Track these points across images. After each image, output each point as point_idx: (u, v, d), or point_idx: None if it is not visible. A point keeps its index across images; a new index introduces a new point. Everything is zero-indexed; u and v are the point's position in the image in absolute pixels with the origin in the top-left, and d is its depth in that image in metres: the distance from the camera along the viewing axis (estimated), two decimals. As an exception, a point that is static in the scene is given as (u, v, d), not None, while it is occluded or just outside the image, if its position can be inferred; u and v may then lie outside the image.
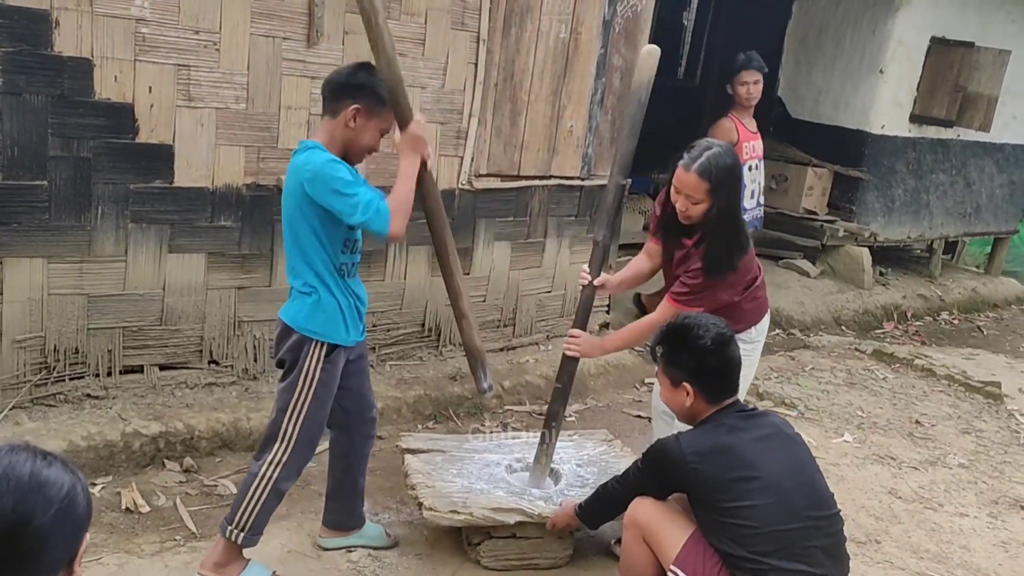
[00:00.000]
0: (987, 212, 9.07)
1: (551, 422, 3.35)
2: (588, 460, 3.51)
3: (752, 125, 5.36)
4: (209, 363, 4.01)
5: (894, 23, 7.53)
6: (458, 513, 3.08)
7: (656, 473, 2.66)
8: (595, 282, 3.32)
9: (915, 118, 8.00)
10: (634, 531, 2.68)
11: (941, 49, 7.77)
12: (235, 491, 3.50)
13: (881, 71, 7.64)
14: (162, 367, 3.91)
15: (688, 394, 2.65)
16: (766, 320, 3.36)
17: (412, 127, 2.74)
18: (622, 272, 3.50)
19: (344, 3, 3.91)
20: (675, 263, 3.24)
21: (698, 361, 2.63)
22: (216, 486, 3.56)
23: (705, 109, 9.00)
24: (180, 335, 3.90)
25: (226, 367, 4.06)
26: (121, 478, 3.49)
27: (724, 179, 2.97)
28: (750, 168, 5.22)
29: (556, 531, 3.14)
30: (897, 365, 5.96)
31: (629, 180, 3.47)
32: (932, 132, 8.17)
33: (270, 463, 2.82)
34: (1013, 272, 11.08)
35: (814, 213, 7.92)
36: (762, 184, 5.48)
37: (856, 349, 6.25)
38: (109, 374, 3.77)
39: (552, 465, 3.43)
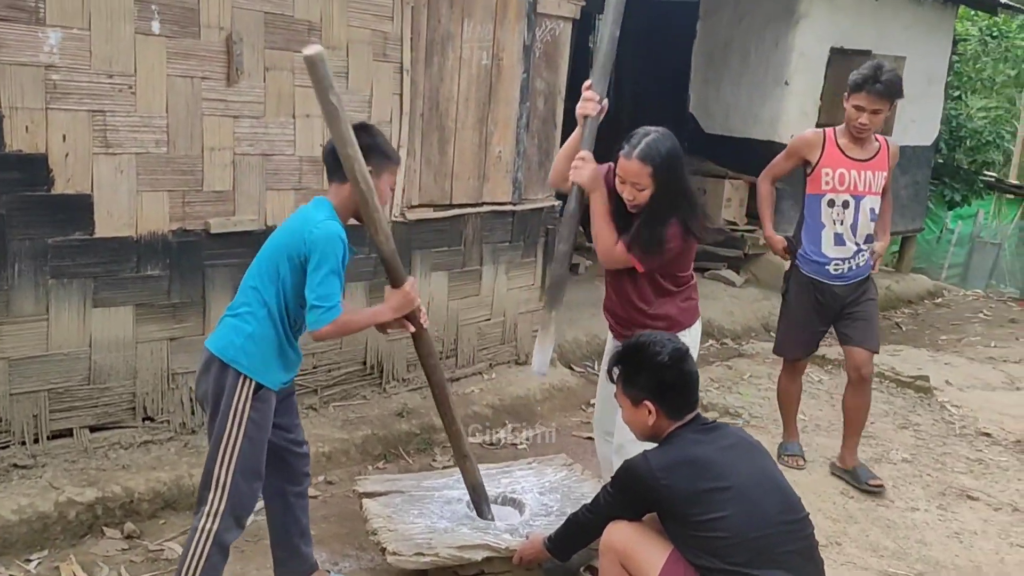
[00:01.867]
0: (895, 213, 9.43)
1: (557, 286, 3.26)
2: (550, 487, 3.46)
3: (859, 152, 4.04)
4: (144, 420, 3.82)
5: (795, 35, 7.82)
6: (423, 555, 2.98)
7: (627, 494, 2.63)
8: (603, 103, 3.14)
9: (821, 126, 8.26)
10: (611, 556, 2.64)
11: (841, 59, 8.09)
12: (183, 553, 3.33)
13: (786, 83, 7.92)
14: (93, 428, 3.70)
15: (650, 412, 2.63)
16: (698, 326, 3.34)
17: (407, 287, 2.78)
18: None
19: (263, 40, 3.82)
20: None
21: (657, 378, 2.61)
22: (162, 550, 3.37)
23: (620, 133, 9.17)
24: (110, 393, 3.70)
25: (162, 423, 3.87)
26: (58, 551, 3.27)
27: (666, 161, 2.98)
28: (831, 203, 4.07)
29: (524, 564, 3.07)
30: (829, 367, 6.10)
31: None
32: (838, 139, 8.47)
33: (207, 515, 2.67)
34: (921, 268, 11.59)
35: (734, 224, 8.12)
36: (860, 227, 4.10)
37: (789, 354, 6.37)
38: (36, 440, 3.55)
39: (514, 496, 3.37)
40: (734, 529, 2.45)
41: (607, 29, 3.25)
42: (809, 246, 4.19)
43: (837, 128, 4.20)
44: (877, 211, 4.14)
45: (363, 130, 2.72)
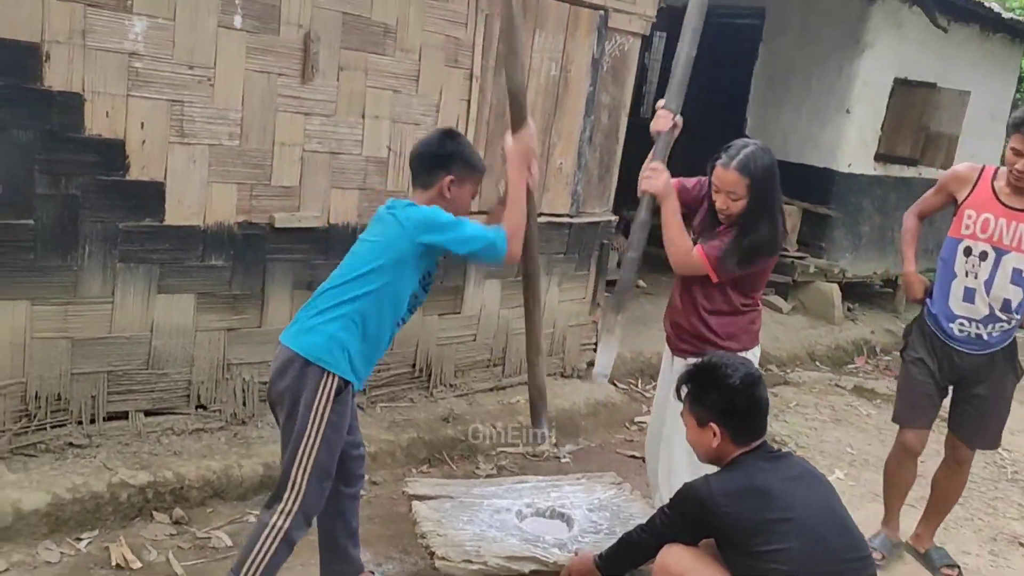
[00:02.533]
0: (947, 248, 9.29)
1: (623, 290, 3.27)
2: (599, 505, 3.43)
3: (1017, 199, 3.42)
4: (197, 408, 3.86)
5: (860, 64, 7.73)
6: (472, 563, 2.96)
7: (686, 517, 2.60)
8: (676, 119, 3.24)
9: (880, 156, 8.20)
10: (665, 579, 2.60)
11: (904, 89, 8.00)
12: (230, 543, 3.35)
13: (848, 111, 7.82)
14: (148, 412, 3.74)
15: (715, 435, 2.60)
16: (757, 352, 3.33)
17: (524, 134, 2.73)
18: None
19: (339, 40, 3.85)
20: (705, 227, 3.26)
21: (727, 401, 2.58)
22: (209, 538, 3.39)
23: (676, 149, 9.13)
24: (167, 379, 3.74)
25: (214, 412, 3.90)
26: (108, 532, 3.31)
27: (763, 174, 3.03)
28: (967, 251, 3.50)
29: (571, 580, 3.04)
30: (878, 400, 6.01)
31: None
32: (896, 171, 8.38)
33: (281, 512, 2.68)
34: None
35: (785, 250, 8.02)
36: (996, 287, 3.47)
37: (836, 385, 6.29)
38: (92, 421, 3.59)
39: (563, 511, 3.34)
40: (796, 562, 2.41)
41: (684, 49, 3.33)
42: (937, 296, 3.61)
43: (1000, 168, 3.55)
44: None
45: (449, 137, 2.73)
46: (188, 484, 3.56)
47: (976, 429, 3.67)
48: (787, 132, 8.25)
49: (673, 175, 3.25)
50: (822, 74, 7.95)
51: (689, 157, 5.26)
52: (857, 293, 8.70)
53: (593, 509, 3.40)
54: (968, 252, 3.50)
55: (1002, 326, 3.52)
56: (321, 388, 2.62)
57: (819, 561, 2.42)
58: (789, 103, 8.24)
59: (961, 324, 3.54)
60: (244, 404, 3.98)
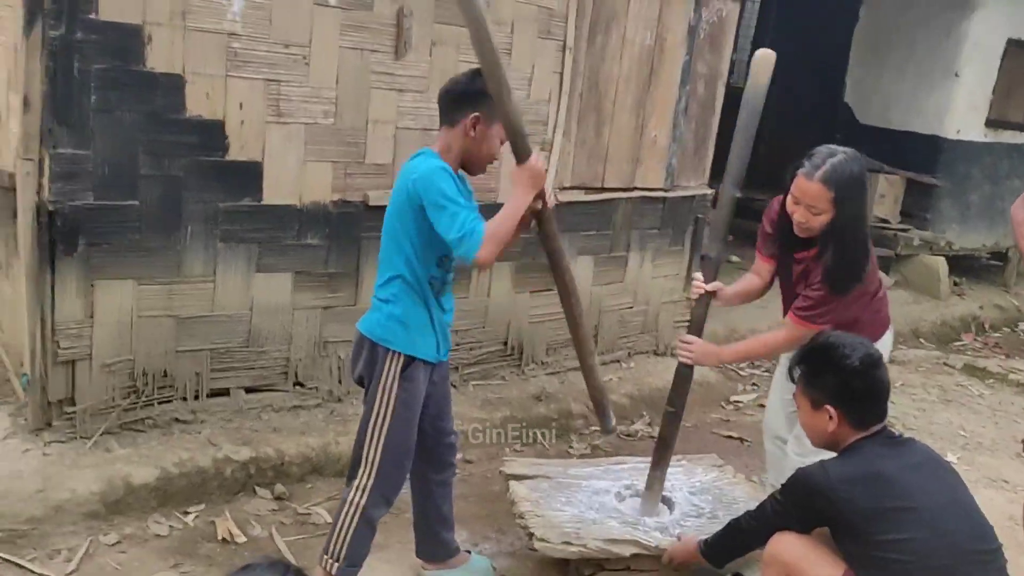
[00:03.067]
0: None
1: (663, 448, 3.18)
2: (701, 487, 3.33)
3: None
4: (295, 385, 3.90)
5: (969, 24, 7.30)
6: (571, 544, 2.92)
7: (799, 505, 2.49)
8: (709, 287, 3.13)
9: (991, 122, 7.75)
10: (776, 568, 2.50)
11: (1018, 51, 7.52)
12: (329, 519, 3.37)
13: (956, 74, 7.40)
14: (248, 390, 3.80)
15: (831, 418, 2.47)
16: (888, 336, 3.15)
17: (532, 161, 2.58)
18: (734, 285, 3.32)
19: (432, 14, 3.80)
20: (795, 279, 3.06)
21: (844, 383, 2.45)
22: (310, 514, 3.44)
23: (764, 113, 8.84)
24: (266, 356, 3.80)
25: (311, 389, 3.95)
26: (214, 506, 3.38)
27: (850, 188, 2.78)
28: None
29: (674, 565, 2.96)
30: (991, 380, 5.71)
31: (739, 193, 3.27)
32: (1008, 137, 7.91)
33: (357, 489, 2.69)
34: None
35: (886, 221, 7.67)
36: None
37: (945, 364, 6.01)
38: (196, 397, 3.67)
39: (664, 493, 3.26)
40: (918, 554, 2.28)
41: (727, 190, 3.13)
42: None
43: None
44: None
45: (479, 75, 2.56)
46: (288, 460, 3.62)
47: None
48: (889, 97, 7.86)
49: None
50: (928, 36, 7.52)
51: (782, 128, 5.04)
52: (964, 267, 8.29)
53: (695, 492, 3.31)
54: None
55: None
56: (387, 366, 2.63)
57: (943, 553, 2.28)
58: (892, 67, 7.84)
59: None
60: (340, 382, 4.01)
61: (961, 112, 7.51)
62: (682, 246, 5.12)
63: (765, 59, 3.10)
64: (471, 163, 2.65)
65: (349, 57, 3.64)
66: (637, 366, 5.06)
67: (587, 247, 4.67)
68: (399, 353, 2.64)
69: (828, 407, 2.46)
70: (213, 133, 3.41)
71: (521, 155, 2.58)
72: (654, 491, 3.19)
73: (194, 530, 3.23)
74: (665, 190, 4.89)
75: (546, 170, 2.66)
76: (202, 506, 3.37)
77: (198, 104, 3.36)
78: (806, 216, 2.83)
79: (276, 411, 3.86)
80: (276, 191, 3.61)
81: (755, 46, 9.60)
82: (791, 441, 3.09)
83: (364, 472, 2.68)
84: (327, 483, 3.64)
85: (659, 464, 3.18)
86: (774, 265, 3.19)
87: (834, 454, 2.51)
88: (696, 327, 3.18)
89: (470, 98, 2.57)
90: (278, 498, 3.50)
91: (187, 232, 3.47)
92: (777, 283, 3.26)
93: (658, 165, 4.81)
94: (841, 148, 2.88)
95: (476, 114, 2.56)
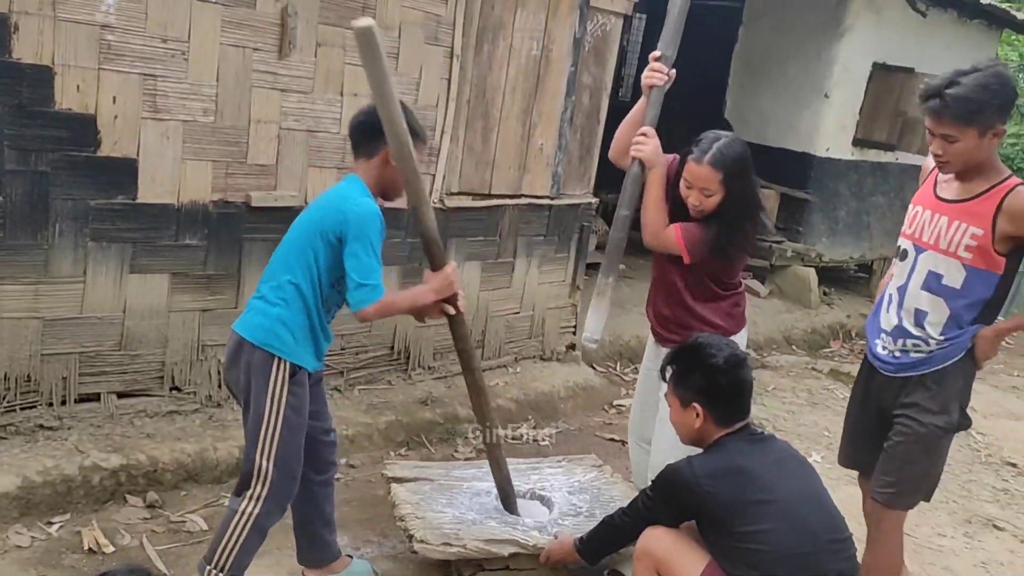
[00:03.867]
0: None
1: (615, 253, 3.15)
2: (579, 487, 3.41)
3: (952, 189, 2.77)
4: (171, 390, 3.79)
5: (839, 48, 7.73)
6: (451, 545, 2.94)
7: (667, 499, 2.59)
8: (671, 72, 3.06)
9: (858, 141, 8.22)
10: (646, 562, 2.59)
11: (883, 74, 8.01)
12: (205, 527, 3.30)
13: (826, 95, 7.83)
14: (120, 395, 3.67)
15: (698, 415, 2.58)
16: (743, 335, 3.28)
17: (447, 271, 2.71)
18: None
19: (317, 15, 3.77)
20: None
21: (709, 381, 2.57)
22: (184, 522, 3.33)
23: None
24: (140, 360, 3.67)
25: (189, 394, 3.84)
26: (80, 516, 3.25)
27: (737, 167, 2.92)
28: (897, 250, 2.93)
29: (551, 563, 3.02)
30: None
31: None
32: (873, 155, 8.41)
33: (250, 499, 2.64)
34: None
35: (764, 234, 8.03)
36: (909, 295, 2.82)
37: (812, 368, 6.33)
38: (63, 403, 3.52)
39: (543, 493, 3.32)
40: (777, 543, 2.41)
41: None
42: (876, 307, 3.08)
43: None
44: (949, 282, 2.73)
45: None
46: (162, 467, 3.50)
47: (883, 470, 2.90)
48: (766, 116, 8.25)
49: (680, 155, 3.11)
50: (801, 58, 7.94)
51: (668, 142, 5.19)
52: (833, 277, 8.75)
53: (573, 491, 3.38)
54: (897, 251, 2.94)
55: (916, 345, 2.81)
56: (275, 373, 2.59)
57: (800, 542, 2.42)
58: (768, 87, 8.23)
59: (884, 340, 2.91)
60: (219, 386, 3.91)
61: (831, 131, 7.94)
62: (567, 253, 5.23)
63: None
64: (389, 190, 2.71)
65: (230, 54, 3.57)
66: (524, 371, 5.13)
67: (474, 253, 4.71)
68: (286, 360, 2.61)
69: (696, 405, 2.57)
70: (84, 128, 3.29)
71: (436, 264, 2.72)
72: (599, 305, 3.15)
73: (58, 541, 3.10)
74: (551, 198, 4.99)
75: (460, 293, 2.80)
76: (67, 516, 3.23)
77: (68, 97, 3.23)
78: (699, 199, 2.96)
79: (150, 417, 3.74)
80: (152, 189, 3.50)
81: (642, 62, 9.92)
82: (654, 441, 3.18)
83: (257, 482, 2.63)
84: (203, 490, 3.55)
85: (609, 269, 3.16)
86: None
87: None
88: (651, 119, 3.10)
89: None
90: (150, 506, 3.39)
91: (55, 230, 3.33)
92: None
93: (544, 173, 4.90)
94: (724, 132, 3.02)
95: None
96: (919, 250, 2.81)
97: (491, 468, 3.19)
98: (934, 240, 2.76)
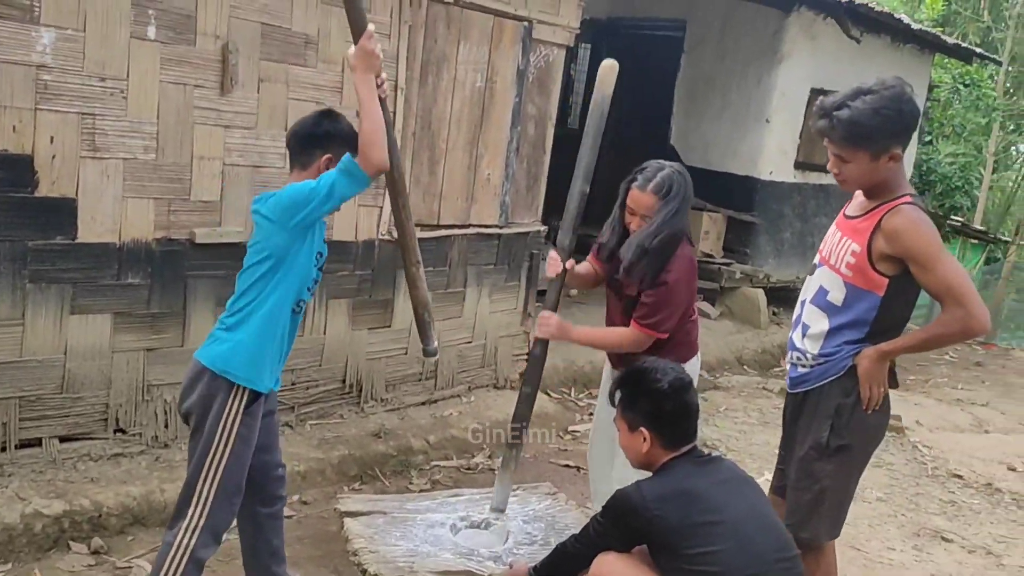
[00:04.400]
0: (866, 252, 9.59)
1: (519, 424, 3.28)
2: (534, 515, 3.42)
3: (855, 206, 2.78)
4: (115, 432, 3.71)
5: (777, 75, 7.94)
6: (405, 579, 2.92)
7: (617, 524, 2.59)
8: (567, 264, 3.23)
9: (799, 164, 8.43)
10: (599, 587, 2.60)
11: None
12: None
13: (767, 120, 8.02)
14: (63, 439, 3.59)
15: (645, 439, 2.61)
16: (695, 362, 3.34)
17: (364, 40, 2.55)
18: (580, 267, 3.39)
19: (259, 51, 3.78)
20: (623, 286, 3.21)
21: (655, 406, 2.60)
22: (130, 568, 3.26)
23: (601, 158, 9.23)
24: (83, 403, 3.60)
25: (134, 435, 3.77)
26: (22, 565, 3.15)
27: (676, 195, 3.02)
28: (812, 268, 2.90)
29: (506, 593, 3.01)
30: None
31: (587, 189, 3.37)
32: (814, 178, 8.62)
33: (185, 530, 2.60)
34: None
35: (711, 256, 8.17)
36: (806, 310, 2.82)
37: (763, 388, 6.42)
38: (3, 449, 3.43)
39: (497, 521, 3.32)
40: (725, 564, 2.43)
41: (577, 186, 3.30)
42: None
43: None
44: (833, 299, 2.71)
45: (326, 116, 2.68)
46: (107, 512, 3.42)
47: (789, 500, 2.87)
48: (709, 141, 8.42)
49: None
50: (742, 84, 8.14)
51: (615, 170, 5.30)
52: (781, 298, 8.90)
53: (528, 520, 3.39)
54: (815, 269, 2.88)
55: (799, 358, 2.81)
56: (230, 401, 2.58)
57: (748, 563, 2.44)
58: (711, 113, 8.41)
59: (790, 355, 2.90)
60: (166, 426, 3.85)
61: (772, 155, 8.13)
62: (518, 281, 5.26)
63: (610, 68, 3.33)
64: None
65: (171, 92, 3.55)
66: (477, 400, 5.13)
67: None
68: (243, 388, 2.60)
69: (643, 429, 2.60)
70: (20, 168, 3.24)
71: (356, 32, 2.56)
72: (509, 471, 3.27)
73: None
74: (500, 227, 5.02)
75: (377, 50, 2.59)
76: (9, 565, 3.14)
77: (4, 137, 3.19)
78: (640, 225, 3.05)
79: (95, 460, 3.66)
80: (92, 229, 3.46)
81: (588, 91, 10.07)
82: (615, 467, 3.21)
83: (195, 510, 2.60)
84: (150, 534, 3.47)
85: (514, 445, 3.29)
86: (604, 270, 3.33)
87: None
88: (551, 304, 3.29)
89: (319, 139, 2.63)
90: (95, 552, 3.30)
91: (-9, 273, 3.26)
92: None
93: (492, 202, 4.94)
94: (668, 162, 3.12)
95: (328, 155, 2.61)
96: (819, 265, 2.82)
97: (411, 293, 3.18)
98: (829, 255, 2.77)
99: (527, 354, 5.42)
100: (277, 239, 2.57)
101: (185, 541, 2.59)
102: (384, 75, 2.66)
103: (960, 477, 5.10)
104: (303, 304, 2.74)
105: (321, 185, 2.49)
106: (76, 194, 3.40)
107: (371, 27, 2.59)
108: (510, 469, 3.26)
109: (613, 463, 3.28)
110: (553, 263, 3.27)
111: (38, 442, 3.52)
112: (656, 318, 3.07)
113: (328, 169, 2.58)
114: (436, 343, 3.17)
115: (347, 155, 2.49)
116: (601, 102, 3.32)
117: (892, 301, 2.66)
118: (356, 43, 2.58)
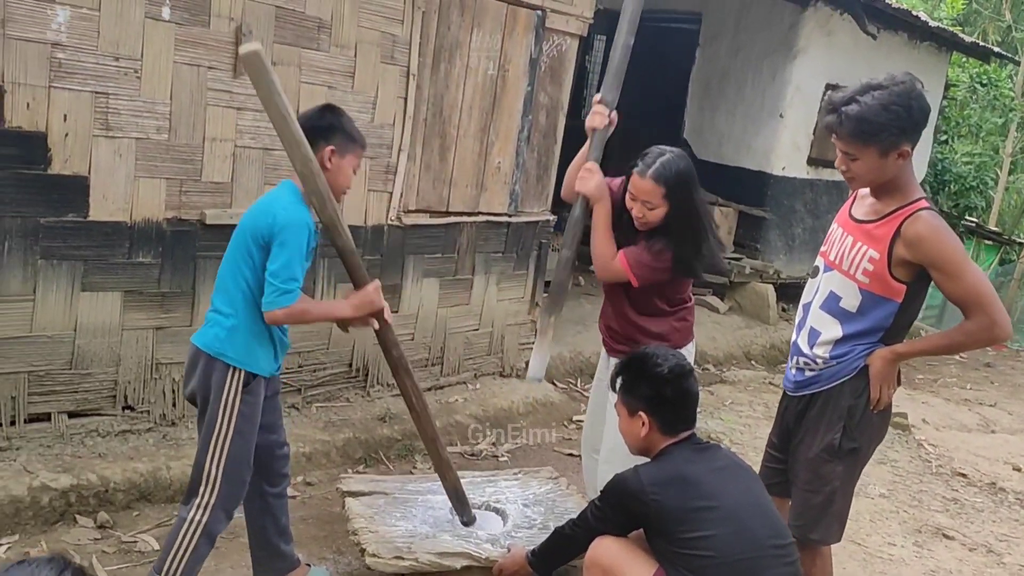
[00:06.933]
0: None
1: (556, 295, 3.24)
2: (534, 499, 3.43)
3: (863, 208, 2.70)
4: (124, 409, 3.76)
5: (792, 70, 7.91)
6: (403, 559, 2.94)
7: (615, 509, 2.61)
8: (612, 115, 3.12)
9: (812, 160, 8.39)
10: (595, 571, 2.61)
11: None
12: (156, 547, 3.28)
13: (781, 115, 7.99)
14: (71, 414, 3.63)
15: (644, 424, 2.62)
16: (691, 348, 3.33)
17: (370, 289, 2.75)
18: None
19: (272, 34, 3.80)
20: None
21: (655, 391, 2.61)
22: (136, 542, 3.30)
23: (613, 153, 9.22)
24: (92, 379, 3.64)
25: (142, 413, 3.81)
26: (29, 537, 3.20)
27: (678, 182, 2.99)
28: (815, 270, 2.86)
29: None
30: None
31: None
32: (827, 174, 8.58)
33: (198, 507, 2.68)
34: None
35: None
36: (812, 313, 2.79)
37: (770, 383, 6.41)
38: (12, 423, 3.47)
39: (497, 506, 3.34)
40: (720, 549, 2.44)
41: (621, 38, 3.20)
42: None
43: None
44: (846, 305, 2.67)
45: (329, 110, 2.72)
46: (113, 487, 3.47)
47: (794, 503, 2.87)
48: (723, 136, 8.40)
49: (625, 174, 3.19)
50: (756, 79, 8.11)
51: (626, 162, 5.27)
52: (791, 294, 8.85)
53: (528, 504, 3.40)
54: (813, 268, 2.89)
55: (807, 363, 2.78)
56: (228, 382, 2.64)
57: (743, 548, 2.45)
58: (725, 107, 8.39)
59: (792, 359, 2.88)
60: (174, 405, 3.89)
61: (786, 151, 8.11)
62: (526, 270, 5.27)
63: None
64: None
65: (184, 73, 3.58)
66: (483, 387, 5.15)
67: (432, 270, 4.74)
68: (239, 368, 2.65)
69: (642, 414, 2.61)
70: (34, 145, 3.28)
71: (357, 282, 2.76)
72: (542, 346, 3.23)
73: (5, 562, 3.05)
74: (509, 215, 5.04)
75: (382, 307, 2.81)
76: (16, 537, 3.19)
77: (18, 114, 3.22)
78: (642, 211, 3.04)
79: (102, 436, 3.71)
80: (104, 207, 3.49)
81: (602, 82, 10.05)
82: (603, 451, 3.23)
83: (206, 489, 2.67)
84: (156, 510, 3.52)
85: (551, 308, 3.24)
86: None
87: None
88: (595, 155, 3.17)
89: (322, 132, 2.65)
90: (101, 527, 3.35)
91: (3, 248, 3.30)
92: None
93: (502, 191, 4.95)
94: (670, 148, 3.09)
95: (330, 147, 2.64)
96: (827, 269, 2.76)
97: (444, 484, 3.20)
98: (839, 260, 2.70)
99: (532, 343, 5.44)
100: (258, 243, 2.60)
101: (198, 517, 2.67)
102: (388, 314, 2.86)
103: (964, 475, 5.09)
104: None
105: (295, 264, 2.54)
106: (88, 172, 3.43)
107: (375, 282, 2.78)
108: (547, 336, 3.20)
109: (602, 447, 3.29)
110: (599, 113, 3.11)
111: (47, 417, 3.56)
112: (640, 266, 3.05)
113: (331, 161, 2.64)
114: (473, 513, 3.28)
115: (295, 300, 2.54)
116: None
117: (908, 306, 2.65)
118: (357, 287, 2.76)
